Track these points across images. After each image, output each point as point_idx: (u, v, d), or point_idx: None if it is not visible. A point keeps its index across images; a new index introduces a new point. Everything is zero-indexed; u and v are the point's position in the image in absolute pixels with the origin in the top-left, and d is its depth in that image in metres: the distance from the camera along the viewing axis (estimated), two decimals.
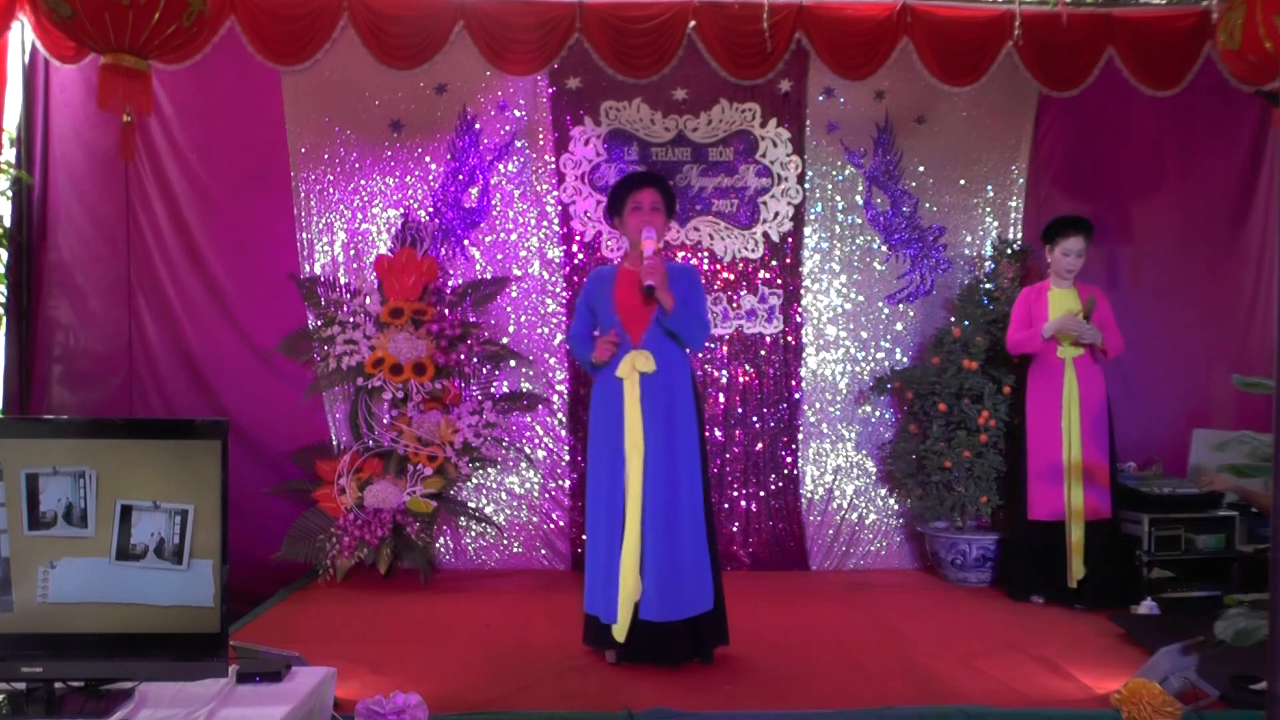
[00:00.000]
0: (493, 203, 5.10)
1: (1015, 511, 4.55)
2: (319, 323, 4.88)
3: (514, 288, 5.09)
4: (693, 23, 4.79)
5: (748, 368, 5.14)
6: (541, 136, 5.09)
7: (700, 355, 5.05)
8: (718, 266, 5.12)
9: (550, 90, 5.07)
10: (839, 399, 5.17)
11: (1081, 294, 4.48)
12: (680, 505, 3.38)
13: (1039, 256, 4.85)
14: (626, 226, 3.57)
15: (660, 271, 3.37)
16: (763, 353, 5.14)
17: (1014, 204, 5.19)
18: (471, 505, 5.00)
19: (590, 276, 3.71)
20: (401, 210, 5.01)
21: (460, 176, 5.08)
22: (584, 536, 4.89)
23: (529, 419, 5.10)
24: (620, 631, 3.32)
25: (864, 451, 5.16)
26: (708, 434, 4.56)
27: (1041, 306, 4.48)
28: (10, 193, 4.76)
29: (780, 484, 5.12)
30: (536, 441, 5.11)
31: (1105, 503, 4.37)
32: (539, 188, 5.11)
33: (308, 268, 5.03)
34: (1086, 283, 4.55)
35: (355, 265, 5.04)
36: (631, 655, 3.37)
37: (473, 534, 5.05)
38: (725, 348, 5.12)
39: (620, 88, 5.00)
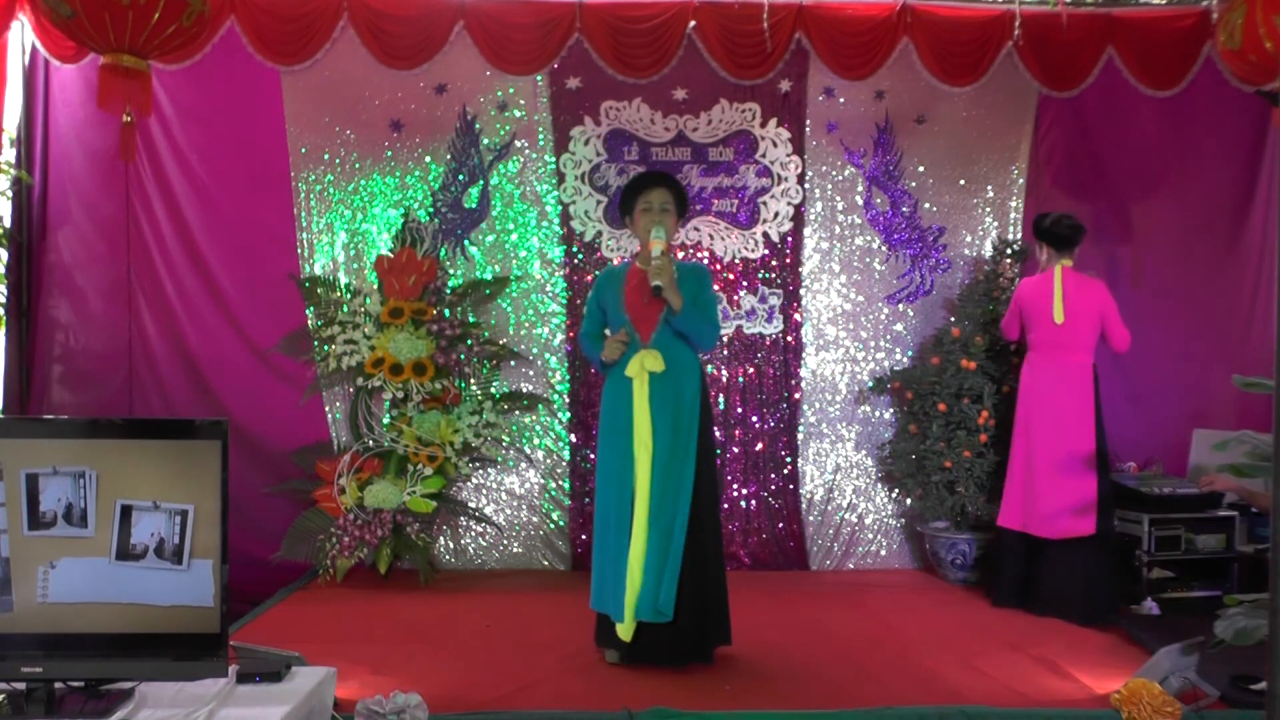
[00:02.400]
0: (493, 203, 5.10)
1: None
2: (319, 323, 4.88)
3: (514, 288, 5.09)
4: (693, 23, 4.79)
5: (748, 368, 5.14)
6: (541, 136, 5.09)
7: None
8: (718, 266, 5.11)
9: (550, 90, 5.07)
10: (839, 399, 5.16)
11: None
12: (688, 505, 3.37)
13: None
14: (637, 227, 3.56)
15: (668, 272, 3.36)
16: (763, 353, 5.13)
17: (1014, 204, 5.18)
18: (471, 505, 5.00)
19: (601, 275, 3.71)
20: (401, 210, 5.01)
21: (460, 176, 5.08)
22: (584, 536, 4.93)
23: (529, 419, 5.10)
24: (626, 631, 3.32)
25: (864, 451, 5.16)
26: None
27: None
28: (10, 193, 4.76)
29: (780, 484, 5.12)
30: (536, 441, 5.11)
31: None
32: (539, 188, 5.11)
33: (308, 268, 5.03)
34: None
35: (355, 265, 5.04)
36: (636, 655, 3.37)
37: (473, 534, 5.06)
38: (725, 348, 5.12)
39: (620, 88, 5.00)
